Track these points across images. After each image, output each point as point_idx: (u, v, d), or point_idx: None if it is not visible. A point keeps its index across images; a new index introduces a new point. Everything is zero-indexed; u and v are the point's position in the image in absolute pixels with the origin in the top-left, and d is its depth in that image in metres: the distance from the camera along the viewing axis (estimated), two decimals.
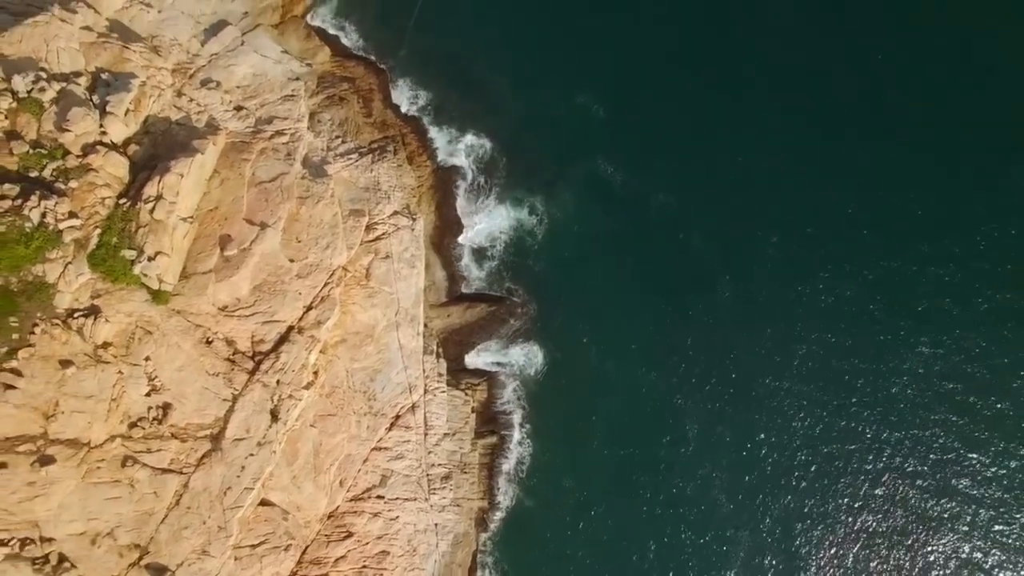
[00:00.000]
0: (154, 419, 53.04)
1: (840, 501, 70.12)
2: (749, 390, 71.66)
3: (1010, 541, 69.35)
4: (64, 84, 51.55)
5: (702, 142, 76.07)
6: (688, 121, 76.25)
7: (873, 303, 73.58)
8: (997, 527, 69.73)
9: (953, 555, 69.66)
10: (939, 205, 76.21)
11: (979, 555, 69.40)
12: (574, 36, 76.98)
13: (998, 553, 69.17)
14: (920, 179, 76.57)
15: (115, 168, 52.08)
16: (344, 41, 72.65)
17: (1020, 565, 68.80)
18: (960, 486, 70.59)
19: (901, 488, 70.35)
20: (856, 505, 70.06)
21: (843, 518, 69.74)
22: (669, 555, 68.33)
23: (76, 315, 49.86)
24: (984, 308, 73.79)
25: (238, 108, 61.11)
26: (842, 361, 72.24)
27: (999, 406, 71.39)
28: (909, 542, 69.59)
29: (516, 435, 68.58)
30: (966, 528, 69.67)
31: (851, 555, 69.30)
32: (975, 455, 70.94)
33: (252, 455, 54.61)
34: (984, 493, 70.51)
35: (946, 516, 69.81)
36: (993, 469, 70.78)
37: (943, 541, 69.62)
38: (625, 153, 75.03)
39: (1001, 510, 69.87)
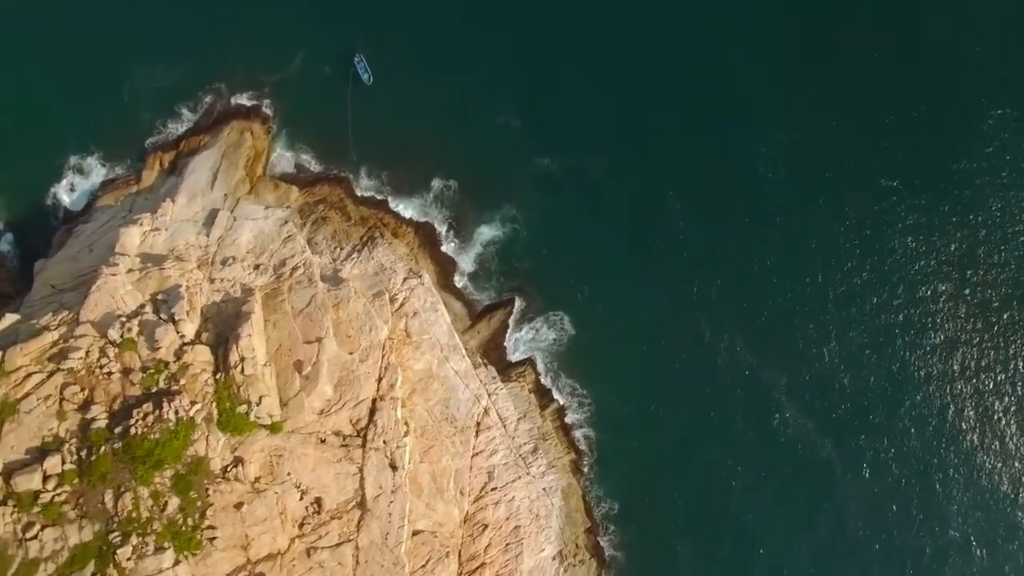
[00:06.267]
0: (313, 513, 68.45)
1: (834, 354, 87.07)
2: (735, 287, 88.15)
3: None
4: (139, 317, 66.31)
5: (607, 114, 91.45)
6: (590, 104, 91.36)
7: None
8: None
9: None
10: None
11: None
12: (473, 76, 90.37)
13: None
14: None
15: (202, 356, 66.97)
16: (302, 174, 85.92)
17: None
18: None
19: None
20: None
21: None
22: (721, 423, 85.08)
23: (228, 469, 65.09)
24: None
25: (256, 267, 75.43)
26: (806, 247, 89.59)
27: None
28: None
29: (571, 393, 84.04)
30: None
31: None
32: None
33: (392, 502, 70.30)
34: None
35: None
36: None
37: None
38: (552, 145, 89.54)
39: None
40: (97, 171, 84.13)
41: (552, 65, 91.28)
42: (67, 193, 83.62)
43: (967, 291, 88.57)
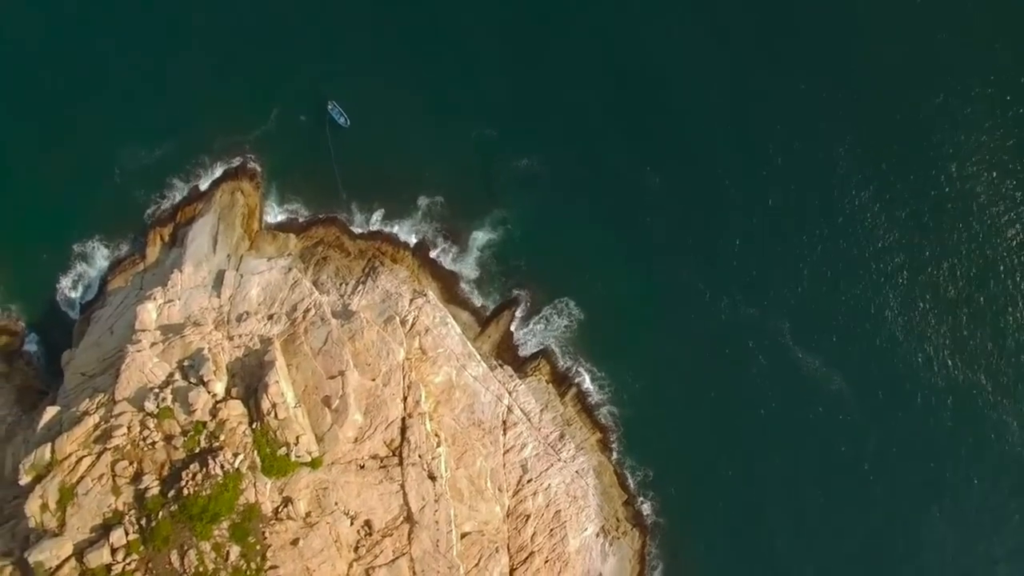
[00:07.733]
0: (366, 535, 73.10)
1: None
2: (727, 246, 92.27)
3: None
4: (170, 386, 70.45)
5: (575, 108, 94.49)
6: (557, 101, 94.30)
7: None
8: None
9: None
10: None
11: None
12: (441, 97, 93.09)
13: None
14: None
15: (236, 410, 71.10)
16: (297, 220, 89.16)
17: None
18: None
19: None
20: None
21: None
22: (735, 374, 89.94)
23: (280, 509, 69.46)
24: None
25: (270, 317, 79.26)
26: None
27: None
28: None
29: (586, 376, 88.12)
30: None
31: None
32: None
33: (436, 510, 74.76)
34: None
35: None
36: None
37: None
38: (528, 146, 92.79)
39: None
40: (101, 253, 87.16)
41: (516, 71, 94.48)
42: (77, 284, 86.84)
43: (955, 205, 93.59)
